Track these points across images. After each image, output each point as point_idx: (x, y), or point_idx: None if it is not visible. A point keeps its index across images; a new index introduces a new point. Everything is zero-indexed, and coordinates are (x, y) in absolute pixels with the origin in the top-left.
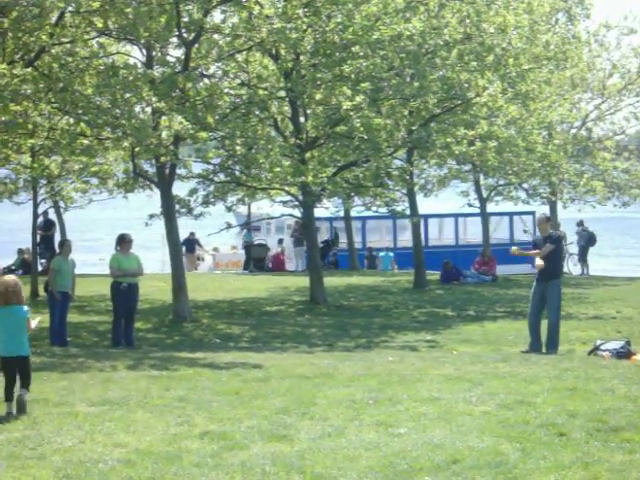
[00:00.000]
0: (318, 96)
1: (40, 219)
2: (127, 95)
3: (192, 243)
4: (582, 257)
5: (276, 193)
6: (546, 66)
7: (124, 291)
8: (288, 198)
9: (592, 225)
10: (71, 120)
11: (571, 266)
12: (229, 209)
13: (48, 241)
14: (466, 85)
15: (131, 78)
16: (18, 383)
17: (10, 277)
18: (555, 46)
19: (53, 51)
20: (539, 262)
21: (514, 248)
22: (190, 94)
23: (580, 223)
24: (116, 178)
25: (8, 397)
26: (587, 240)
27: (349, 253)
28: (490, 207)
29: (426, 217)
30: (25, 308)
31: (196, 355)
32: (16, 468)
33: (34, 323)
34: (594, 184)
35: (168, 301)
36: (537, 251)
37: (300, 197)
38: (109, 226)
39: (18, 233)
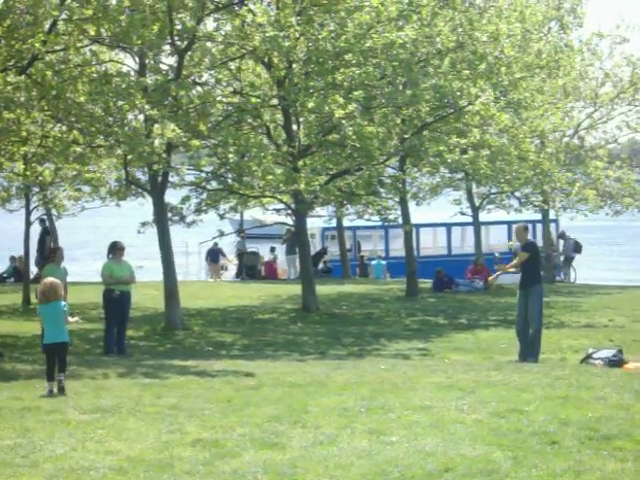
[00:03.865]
0: (310, 104)
1: (38, 227)
2: (120, 103)
3: (216, 253)
4: (567, 265)
5: (269, 201)
6: (538, 75)
7: (116, 299)
8: (281, 206)
9: (585, 234)
10: (64, 128)
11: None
12: (221, 217)
13: (44, 249)
14: (458, 93)
15: (124, 86)
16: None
17: (50, 279)
18: (547, 55)
19: (46, 59)
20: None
21: (498, 267)
22: (183, 102)
23: (562, 235)
24: (108, 186)
25: (50, 378)
26: (573, 249)
27: (341, 262)
28: (514, 216)
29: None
30: (63, 303)
31: (188, 363)
32: (8, 476)
33: (73, 319)
34: (586, 193)
35: (160, 309)
36: (513, 263)
37: (292, 205)
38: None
39: (7, 240)
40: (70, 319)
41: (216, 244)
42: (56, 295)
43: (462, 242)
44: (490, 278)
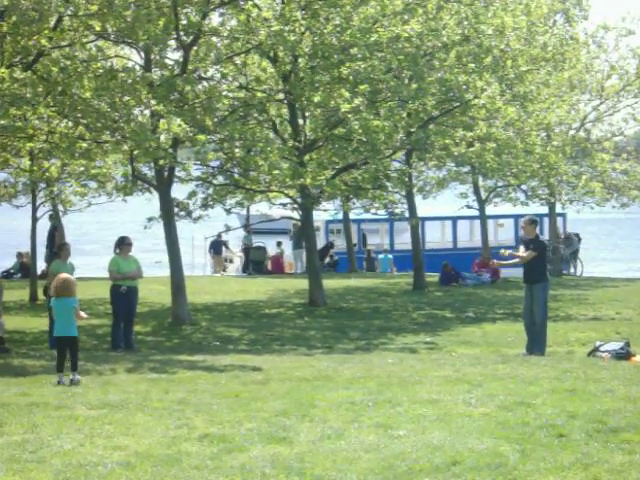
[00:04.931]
0: (316, 98)
1: (46, 223)
2: (126, 98)
3: (219, 245)
4: (574, 258)
5: (275, 196)
6: (544, 67)
7: (123, 294)
8: (287, 200)
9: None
10: (70, 123)
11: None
12: (228, 212)
13: (53, 245)
14: (464, 87)
15: (130, 81)
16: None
17: (64, 275)
18: (553, 47)
19: (52, 55)
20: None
21: (503, 250)
22: (189, 97)
23: (568, 235)
24: (115, 181)
25: (59, 368)
26: (578, 243)
27: (348, 256)
28: (520, 209)
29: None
30: (74, 299)
31: (195, 358)
32: (16, 471)
33: (84, 314)
34: (593, 185)
35: (167, 304)
36: (519, 254)
37: (299, 199)
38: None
39: (14, 236)
40: (82, 315)
41: (219, 236)
42: (68, 292)
43: (470, 235)
44: (496, 261)
